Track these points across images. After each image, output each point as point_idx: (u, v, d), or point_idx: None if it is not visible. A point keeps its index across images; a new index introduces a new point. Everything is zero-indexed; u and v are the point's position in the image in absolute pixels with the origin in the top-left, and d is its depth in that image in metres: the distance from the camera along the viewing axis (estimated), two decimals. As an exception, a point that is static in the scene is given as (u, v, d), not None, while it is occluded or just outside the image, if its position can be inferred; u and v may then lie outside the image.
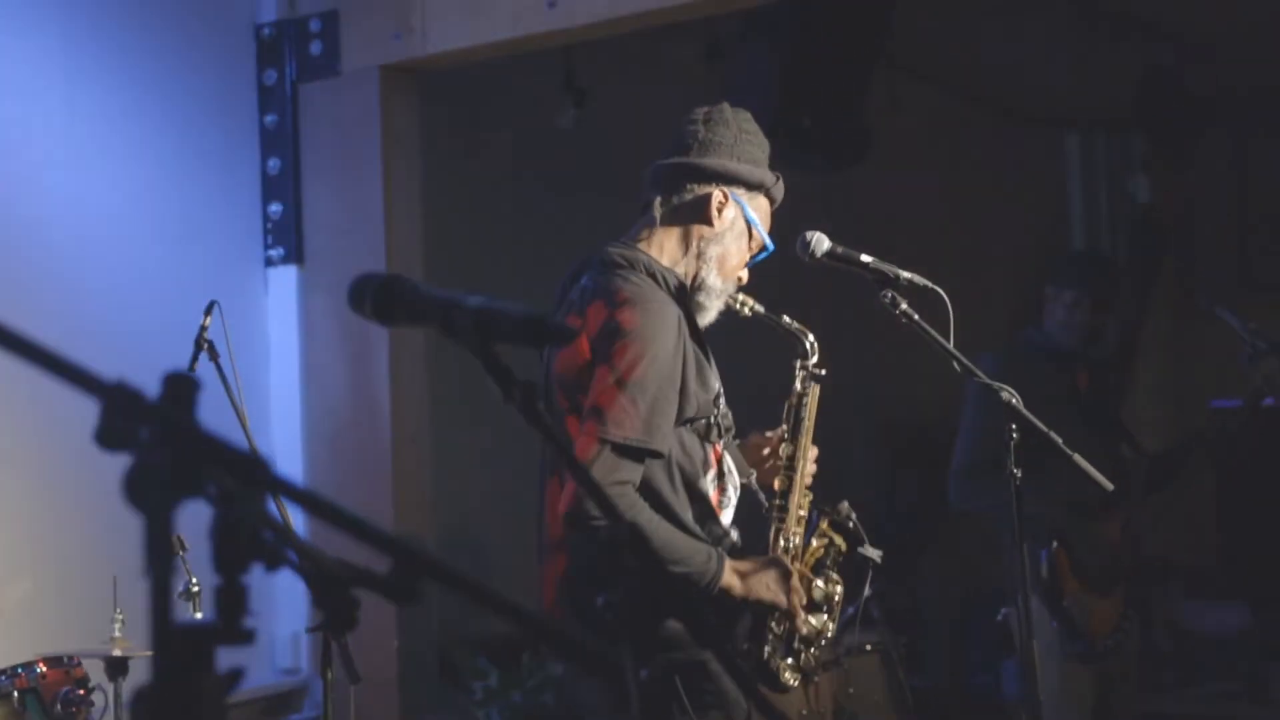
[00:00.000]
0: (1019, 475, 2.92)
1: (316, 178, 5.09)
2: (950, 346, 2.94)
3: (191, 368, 3.59)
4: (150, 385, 1.12)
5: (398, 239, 4.98)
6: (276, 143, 5.11)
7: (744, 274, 2.97)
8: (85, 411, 1.11)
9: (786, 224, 3.04)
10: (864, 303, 3.10)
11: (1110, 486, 3.02)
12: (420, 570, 1.19)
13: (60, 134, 4.54)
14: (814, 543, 3.00)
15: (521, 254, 5.51)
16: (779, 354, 3.18)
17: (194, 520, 1.17)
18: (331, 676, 3.49)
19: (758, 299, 3.00)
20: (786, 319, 3.04)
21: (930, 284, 2.95)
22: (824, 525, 3.00)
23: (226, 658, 1.12)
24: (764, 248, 2.96)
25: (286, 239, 5.09)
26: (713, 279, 2.90)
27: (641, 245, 2.91)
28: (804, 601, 2.91)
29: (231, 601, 1.11)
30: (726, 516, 2.91)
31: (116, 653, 3.43)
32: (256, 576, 1.17)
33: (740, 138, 2.93)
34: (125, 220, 4.70)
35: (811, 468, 3.04)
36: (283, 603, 4.78)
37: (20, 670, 3.43)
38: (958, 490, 4.32)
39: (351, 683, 3.48)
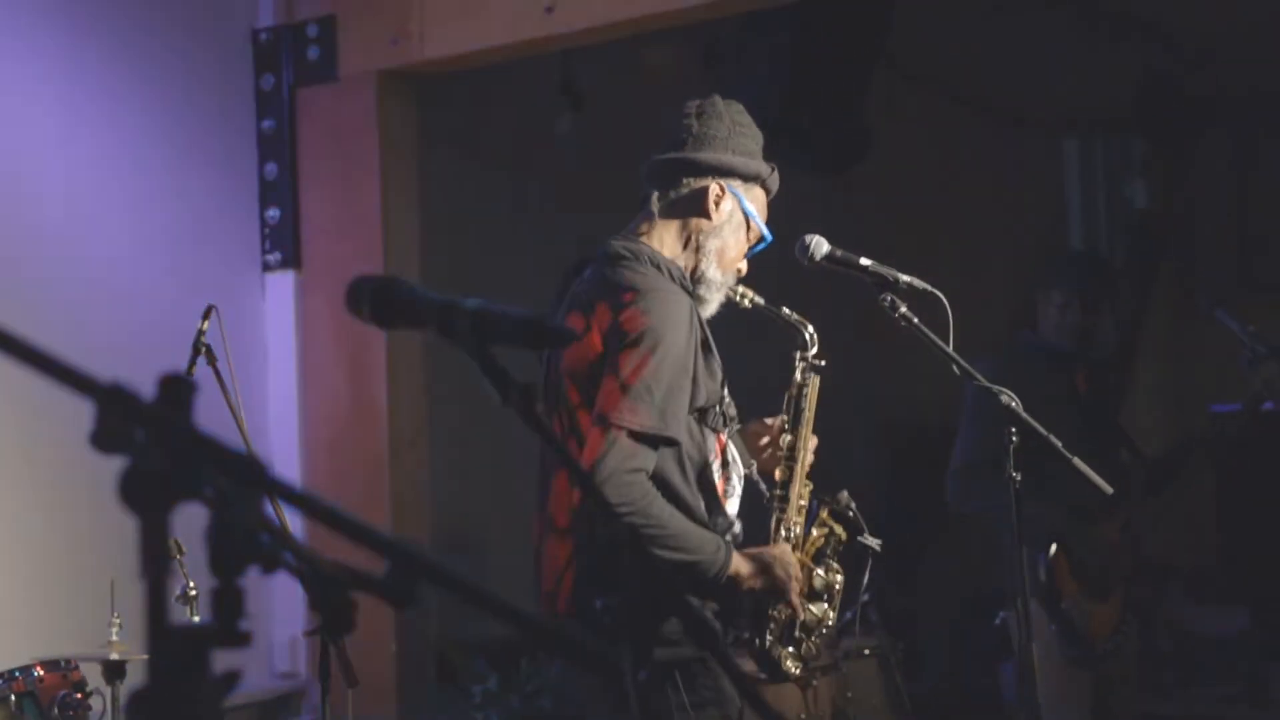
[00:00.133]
0: (1018, 478, 2.92)
1: (314, 183, 5.09)
2: (949, 349, 2.95)
3: (189, 372, 3.58)
4: (148, 390, 1.11)
5: (395, 244, 4.98)
6: (274, 148, 5.11)
7: (743, 266, 2.99)
8: (83, 414, 1.10)
9: (786, 226, 3.05)
10: (863, 304, 3.10)
11: (1110, 490, 3.02)
12: (418, 573, 1.18)
13: (58, 140, 4.54)
14: (814, 532, 3.02)
15: (519, 258, 5.51)
16: (778, 346, 3.18)
17: (191, 524, 1.17)
18: (329, 681, 3.49)
19: (757, 292, 3.01)
20: (786, 310, 3.06)
21: (929, 287, 2.96)
22: (824, 514, 3.03)
23: (223, 661, 1.12)
24: (762, 239, 2.98)
25: (284, 244, 5.09)
26: (712, 271, 2.92)
27: (643, 239, 2.92)
28: (805, 590, 2.92)
29: (228, 604, 1.11)
30: (732, 506, 2.94)
31: (114, 656, 3.43)
32: (254, 580, 1.17)
33: (734, 130, 2.95)
34: (123, 225, 4.69)
35: (811, 458, 3.05)
36: (281, 607, 4.78)
37: (17, 674, 3.42)
38: (956, 492, 4.32)
39: (348, 687, 3.48)
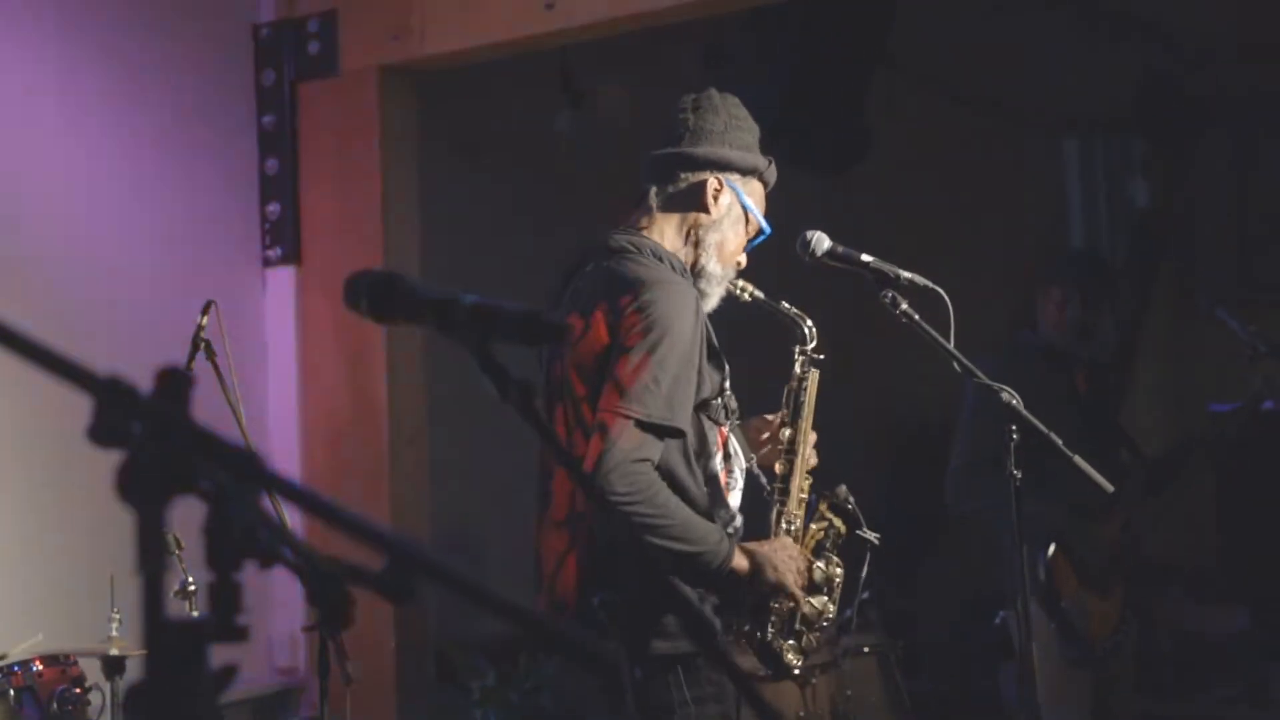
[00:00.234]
0: (1018, 476, 2.92)
1: (314, 178, 5.09)
2: (950, 346, 2.95)
3: (188, 367, 3.58)
4: (147, 384, 1.11)
5: (395, 239, 4.97)
6: (274, 143, 5.11)
7: (742, 259, 3.00)
8: (84, 408, 1.10)
9: (787, 224, 3.05)
10: (863, 302, 3.10)
11: (1110, 488, 3.02)
12: (415, 568, 1.18)
13: (58, 134, 4.53)
14: (813, 526, 3.03)
15: (519, 254, 5.51)
16: (777, 341, 3.18)
17: (191, 518, 1.16)
18: (328, 677, 3.49)
19: (756, 287, 3.02)
20: (785, 305, 3.07)
21: (930, 284, 2.96)
22: (823, 508, 3.04)
23: (223, 655, 1.12)
24: (760, 232, 2.98)
25: (284, 239, 5.08)
26: (712, 265, 2.93)
27: (644, 233, 2.93)
28: (806, 584, 2.93)
29: (224, 599, 1.11)
30: (734, 498, 2.95)
31: (113, 652, 3.43)
32: (257, 577, 1.17)
33: (731, 124, 2.95)
34: (123, 220, 4.69)
35: (813, 454, 3.06)
36: (281, 602, 4.77)
37: (17, 668, 3.42)
38: (955, 491, 4.32)
39: (345, 683, 3.48)
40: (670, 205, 2.95)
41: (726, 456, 2.94)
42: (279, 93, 5.11)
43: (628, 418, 2.68)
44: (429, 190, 5.14)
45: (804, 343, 3.09)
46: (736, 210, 2.95)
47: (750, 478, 3.03)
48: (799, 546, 2.97)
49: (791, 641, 2.95)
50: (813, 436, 3.08)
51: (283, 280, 5.11)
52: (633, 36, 4.81)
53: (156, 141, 4.79)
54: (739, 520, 2.95)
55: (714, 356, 2.87)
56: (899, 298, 2.97)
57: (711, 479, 2.87)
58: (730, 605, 2.89)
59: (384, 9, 4.94)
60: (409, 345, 4.96)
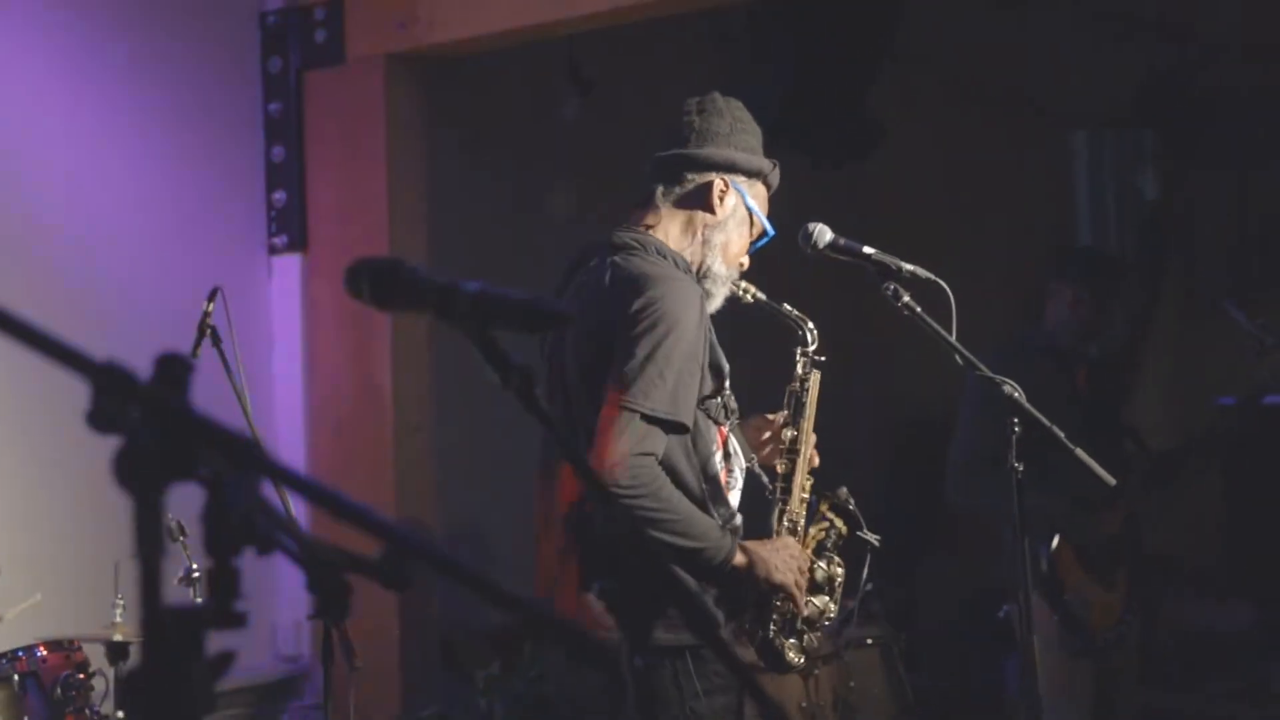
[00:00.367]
0: (1020, 468, 2.91)
1: (320, 166, 5.09)
2: (952, 339, 2.94)
3: (194, 354, 3.59)
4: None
5: (401, 227, 4.98)
6: (281, 131, 5.11)
7: (745, 260, 3.01)
8: (85, 393, 1.10)
9: (790, 218, 3.05)
10: (863, 301, 3.10)
11: (1112, 481, 3.02)
12: (412, 555, 1.18)
13: (64, 122, 4.54)
14: (814, 527, 3.03)
15: (525, 243, 5.50)
16: (778, 342, 3.18)
17: (195, 505, 1.16)
18: (333, 664, 3.49)
19: (759, 288, 3.02)
20: (787, 306, 3.07)
21: (932, 276, 2.96)
22: (824, 508, 3.05)
23: (224, 642, 1.12)
24: (764, 233, 2.99)
25: (290, 227, 5.09)
26: (717, 266, 2.94)
27: (650, 231, 2.93)
28: (806, 583, 2.93)
29: (223, 585, 1.11)
30: (734, 497, 2.95)
31: (117, 637, 3.44)
32: (261, 565, 1.17)
33: (735, 126, 2.97)
34: (129, 207, 4.70)
35: (814, 455, 3.06)
36: (286, 590, 4.78)
37: (21, 654, 3.43)
38: (956, 485, 4.31)
39: (349, 671, 3.48)
40: (676, 205, 2.96)
41: (726, 455, 2.94)
42: (285, 81, 5.11)
43: (633, 411, 2.68)
44: (435, 178, 5.14)
45: (805, 345, 3.10)
46: (741, 212, 2.96)
47: (751, 477, 3.03)
48: (800, 545, 2.97)
49: (793, 640, 2.95)
50: (813, 439, 3.09)
51: (289, 267, 5.11)
52: (639, 25, 4.80)
53: (163, 129, 4.80)
54: (738, 519, 2.95)
55: (716, 354, 2.87)
56: (901, 290, 2.97)
57: (711, 477, 2.87)
58: (732, 602, 2.89)
59: (391, -3, 4.94)
60: (415, 333, 4.96)
